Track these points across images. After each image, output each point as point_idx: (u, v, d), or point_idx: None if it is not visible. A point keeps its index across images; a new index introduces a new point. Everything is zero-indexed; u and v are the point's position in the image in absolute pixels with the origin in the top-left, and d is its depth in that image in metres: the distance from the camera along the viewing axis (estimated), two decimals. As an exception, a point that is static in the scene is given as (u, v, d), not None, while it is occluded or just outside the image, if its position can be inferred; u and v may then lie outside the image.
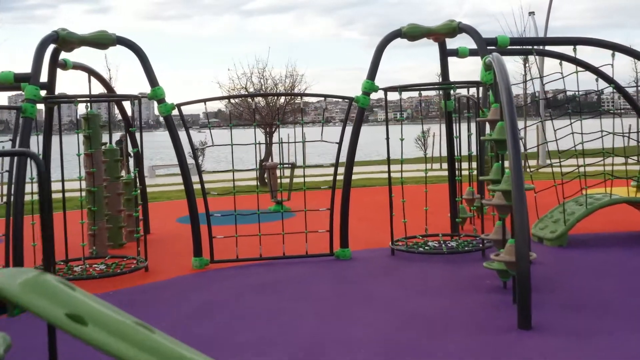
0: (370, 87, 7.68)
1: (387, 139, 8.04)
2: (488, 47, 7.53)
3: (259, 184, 16.42)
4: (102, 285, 6.90)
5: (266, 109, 17.18)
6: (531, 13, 22.89)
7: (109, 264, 7.73)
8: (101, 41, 7.33)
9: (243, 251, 7.90)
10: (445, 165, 22.84)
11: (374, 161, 28.25)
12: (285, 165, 12.94)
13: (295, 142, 8.83)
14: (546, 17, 20.55)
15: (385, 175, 20.27)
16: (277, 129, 16.51)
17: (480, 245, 7.73)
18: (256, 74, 17.62)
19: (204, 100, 7.60)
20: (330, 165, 7.92)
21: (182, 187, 7.67)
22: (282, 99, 17.61)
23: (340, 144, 7.82)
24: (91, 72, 8.72)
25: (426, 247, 7.89)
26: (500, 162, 6.35)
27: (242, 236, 7.87)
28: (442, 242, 8.26)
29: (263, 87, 17.63)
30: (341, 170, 7.91)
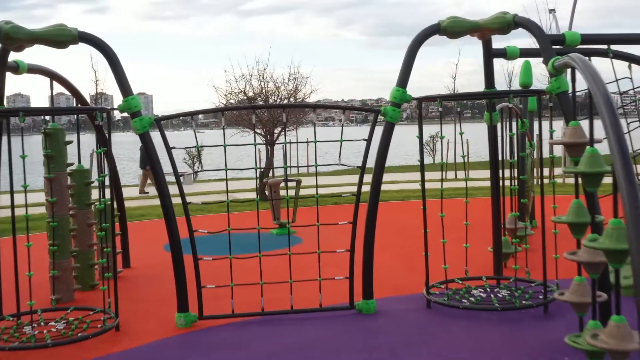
0: (401, 96, 6.07)
1: (422, 161, 6.44)
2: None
3: (259, 197, 14.83)
4: (56, 355, 5.28)
5: (267, 114, 15.57)
6: (552, 10, 21.31)
7: (70, 321, 6.09)
8: (58, 38, 5.71)
9: (240, 300, 6.30)
10: (460, 174, 21.27)
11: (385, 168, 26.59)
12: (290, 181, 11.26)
13: (301, 166, 7.22)
14: (571, 14, 18.94)
15: (402, 187, 18.51)
16: (283, 132, 14.93)
17: (541, 297, 6.11)
18: (256, 76, 16.00)
19: (191, 114, 5.99)
20: (349, 194, 6.28)
21: (176, 200, 6.05)
22: (285, 102, 16.01)
23: (363, 168, 6.21)
24: (53, 77, 7.10)
25: (471, 299, 6.26)
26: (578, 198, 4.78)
27: (239, 285, 6.24)
28: (487, 288, 6.64)
29: (264, 90, 16.01)
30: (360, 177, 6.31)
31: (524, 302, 6.07)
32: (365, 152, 6.17)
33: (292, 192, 11.93)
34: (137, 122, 5.76)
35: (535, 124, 10.73)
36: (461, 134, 6.69)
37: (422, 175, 6.46)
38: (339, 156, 6.26)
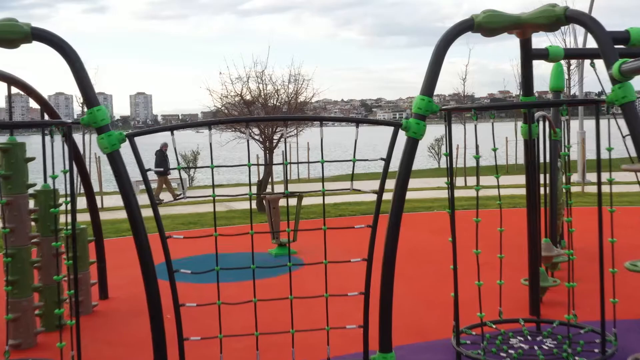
0: (427, 107, 4.97)
1: (451, 184, 5.36)
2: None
3: (257, 208, 13.74)
4: None
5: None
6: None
7: (24, 380, 5.01)
8: (6, 35, 4.61)
9: (232, 347, 5.25)
10: (471, 181, 20.02)
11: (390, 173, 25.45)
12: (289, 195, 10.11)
13: (309, 194, 6.17)
14: (589, 11, 17.83)
15: (409, 196, 17.46)
16: (282, 139, 13.91)
17: (597, 350, 5.03)
18: (253, 77, 14.92)
19: (171, 129, 4.90)
20: (364, 226, 5.14)
21: (165, 211, 4.98)
22: (285, 106, 14.96)
23: (380, 195, 5.13)
24: (11, 81, 6.02)
25: (511, 352, 5.17)
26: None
27: (230, 337, 5.16)
28: (528, 335, 5.57)
29: (262, 93, 14.93)
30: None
31: (577, 358, 4.98)
32: (383, 175, 5.07)
33: (291, 201, 10.87)
34: (104, 139, 4.66)
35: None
36: (494, 150, 5.61)
37: (452, 203, 5.35)
38: (351, 180, 5.17)
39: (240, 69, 23.49)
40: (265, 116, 13.50)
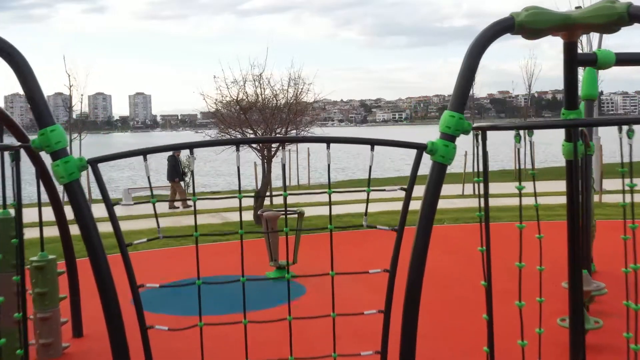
0: (457, 125, 4.05)
1: (486, 211, 4.44)
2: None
3: (254, 221, 12.86)
4: None
5: (264, 124, 13.63)
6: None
7: None
8: (-64, 38, 3.72)
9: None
10: (478, 189, 18.88)
11: (396, 178, 24.35)
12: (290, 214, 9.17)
13: (320, 230, 5.27)
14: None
15: (414, 206, 16.57)
16: (281, 148, 13.09)
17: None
18: (250, 80, 14.03)
19: (144, 153, 4.00)
20: (381, 271, 4.20)
21: (155, 222, 4.20)
22: (285, 108, 14.09)
23: (400, 232, 4.23)
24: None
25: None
26: None
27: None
28: (574, 396, 4.66)
29: (260, 97, 14.04)
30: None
31: None
32: (404, 206, 4.17)
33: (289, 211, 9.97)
34: (59, 166, 3.75)
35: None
36: (533, 173, 4.69)
37: (488, 242, 4.42)
38: (365, 214, 4.28)
39: (236, 72, 22.64)
40: (262, 137, 12.60)
